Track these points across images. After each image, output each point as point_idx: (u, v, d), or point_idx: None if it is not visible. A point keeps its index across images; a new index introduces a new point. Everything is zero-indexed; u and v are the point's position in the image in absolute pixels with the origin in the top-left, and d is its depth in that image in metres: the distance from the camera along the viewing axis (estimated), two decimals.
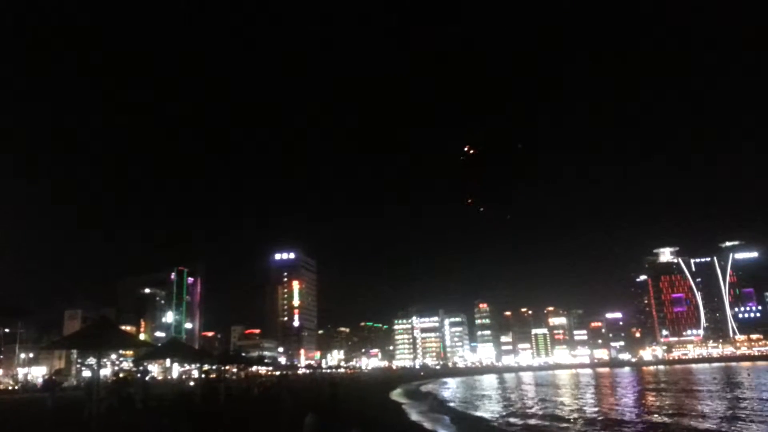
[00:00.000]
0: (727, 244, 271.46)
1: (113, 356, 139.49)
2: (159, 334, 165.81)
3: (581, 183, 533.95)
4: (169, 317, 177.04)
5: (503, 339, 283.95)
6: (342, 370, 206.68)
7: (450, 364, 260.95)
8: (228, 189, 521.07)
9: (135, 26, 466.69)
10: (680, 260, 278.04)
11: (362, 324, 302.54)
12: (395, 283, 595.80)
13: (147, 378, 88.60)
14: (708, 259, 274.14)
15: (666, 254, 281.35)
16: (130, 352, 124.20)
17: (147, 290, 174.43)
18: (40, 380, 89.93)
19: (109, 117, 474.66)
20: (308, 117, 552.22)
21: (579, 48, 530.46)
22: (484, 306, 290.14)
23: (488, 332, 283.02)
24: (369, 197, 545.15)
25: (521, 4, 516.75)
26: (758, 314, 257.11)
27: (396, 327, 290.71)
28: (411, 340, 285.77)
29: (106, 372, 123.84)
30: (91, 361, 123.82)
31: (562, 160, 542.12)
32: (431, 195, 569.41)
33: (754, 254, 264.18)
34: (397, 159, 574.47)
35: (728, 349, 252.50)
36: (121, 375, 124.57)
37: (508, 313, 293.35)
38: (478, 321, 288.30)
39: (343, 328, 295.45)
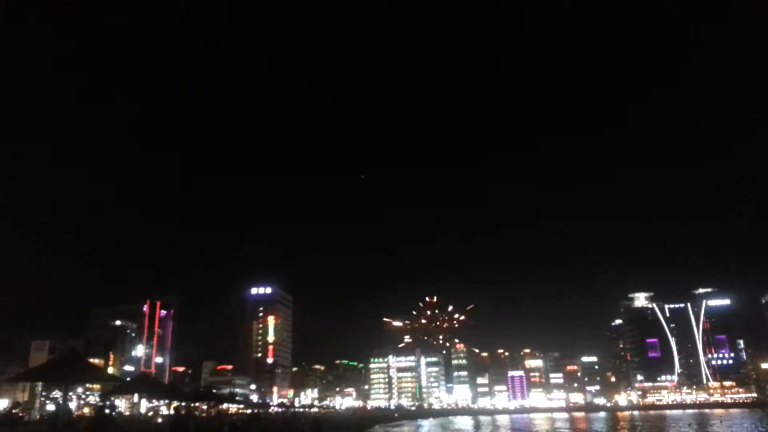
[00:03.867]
0: (700, 290, 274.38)
1: (79, 390, 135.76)
2: (128, 368, 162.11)
3: (559, 228, 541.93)
4: (140, 351, 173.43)
5: (479, 380, 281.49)
6: (315, 409, 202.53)
7: (426, 405, 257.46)
8: (204, 220, 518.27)
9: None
10: (655, 305, 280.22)
11: (337, 362, 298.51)
12: (372, 321, 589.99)
13: (113, 413, 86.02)
14: (682, 305, 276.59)
15: (641, 299, 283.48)
16: (97, 386, 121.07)
17: (118, 322, 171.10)
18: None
19: (77, 143, 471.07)
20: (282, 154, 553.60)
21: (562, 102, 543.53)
22: (461, 346, 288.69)
23: (465, 373, 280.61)
24: (347, 233, 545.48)
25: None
26: (731, 361, 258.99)
27: (372, 366, 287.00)
28: (387, 380, 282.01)
29: (72, 406, 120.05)
30: (57, 394, 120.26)
31: (541, 206, 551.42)
32: (410, 232, 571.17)
33: (726, 301, 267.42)
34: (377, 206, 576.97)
35: (702, 396, 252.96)
36: (86, 410, 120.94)
37: (484, 354, 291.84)
38: (455, 361, 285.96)
39: (317, 366, 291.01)
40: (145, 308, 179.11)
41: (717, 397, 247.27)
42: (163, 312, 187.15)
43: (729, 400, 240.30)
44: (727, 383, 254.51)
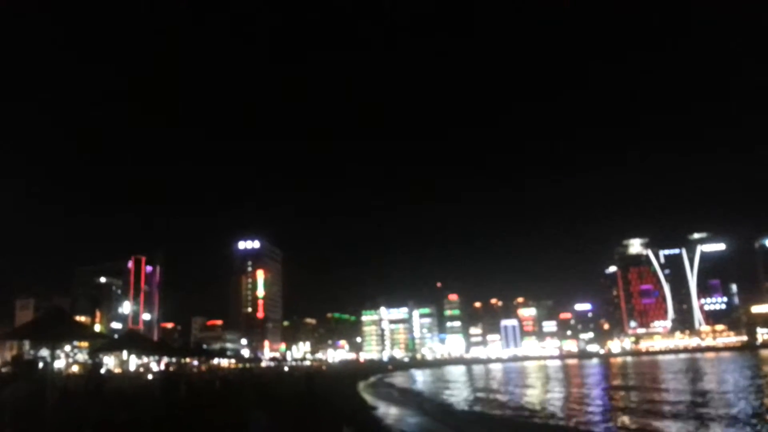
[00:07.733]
0: (695, 236, 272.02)
1: (67, 348, 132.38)
2: (115, 325, 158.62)
3: (553, 174, 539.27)
4: (126, 308, 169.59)
5: (472, 330, 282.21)
6: (308, 362, 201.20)
7: (419, 356, 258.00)
8: (191, 173, 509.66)
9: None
10: (649, 252, 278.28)
11: (329, 315, 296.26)
12: (364, 274, 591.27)
13: (102, 371, 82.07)
14: (677, 251, 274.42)
15: (636, 245, 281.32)
16: (85, 344, 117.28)
17: (103, 279, 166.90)
18: None
19: (64, 98, 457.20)
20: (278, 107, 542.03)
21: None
22: (453, 297, 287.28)
23: (458, 323, 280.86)
24: (338, 187, 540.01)
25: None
26: (724, 306, 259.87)
27: (364, 318, 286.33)
28: (379, 332, 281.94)
29: (60, 364, 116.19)
30: (44, 352, 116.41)
31: (535, 154, 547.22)
32: (401, 185, 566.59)
33: (721, 246, 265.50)
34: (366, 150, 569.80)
35: (694, 341, 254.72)
36: (75, 368, 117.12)
37: (477, 304, 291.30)
38: (448, 312, 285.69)
39: (309, 320, 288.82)
40: (130, 264, 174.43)
41: (709, 342, 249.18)
42: (149, 268, 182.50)
43: (720, 344, 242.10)
44: (718, 327, 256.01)
